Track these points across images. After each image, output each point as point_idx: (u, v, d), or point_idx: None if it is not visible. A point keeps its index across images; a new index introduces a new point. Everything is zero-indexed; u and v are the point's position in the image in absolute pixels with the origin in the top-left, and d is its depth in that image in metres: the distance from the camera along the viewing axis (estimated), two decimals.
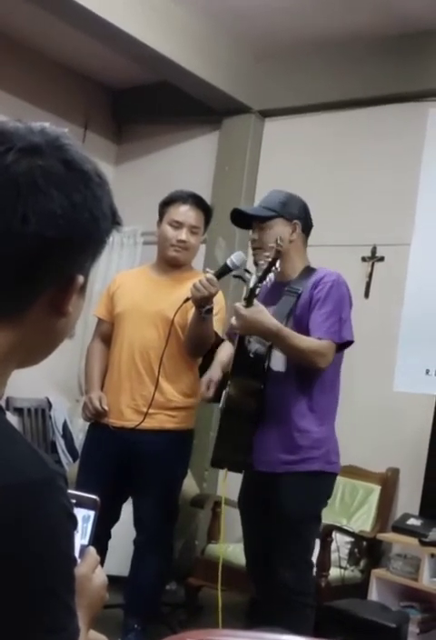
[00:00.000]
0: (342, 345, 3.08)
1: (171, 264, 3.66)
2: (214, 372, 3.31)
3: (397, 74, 4.90)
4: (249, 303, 2.95)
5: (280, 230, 3.12)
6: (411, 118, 4.90)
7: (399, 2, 4.54)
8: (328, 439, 3.10)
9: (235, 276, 3.21)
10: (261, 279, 2.94)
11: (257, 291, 2.95)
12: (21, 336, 0.95)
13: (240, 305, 3.00)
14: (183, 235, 3.60)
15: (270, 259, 2.93)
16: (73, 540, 0.90)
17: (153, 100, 5.99)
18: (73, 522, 0.90)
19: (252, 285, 2.96)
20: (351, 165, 5.11)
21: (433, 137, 4.79)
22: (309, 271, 3.16)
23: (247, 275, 3.11)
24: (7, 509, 0.83)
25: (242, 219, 3.29)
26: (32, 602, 0.84)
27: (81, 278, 0.97)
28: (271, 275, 2.94)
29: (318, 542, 3.79)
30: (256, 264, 3.08)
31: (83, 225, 0.95)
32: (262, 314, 2.95)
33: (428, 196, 4.79)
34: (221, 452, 3.19)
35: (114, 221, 1.01)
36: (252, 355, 3.08)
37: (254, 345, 3.09)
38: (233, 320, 3.03)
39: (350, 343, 3.08)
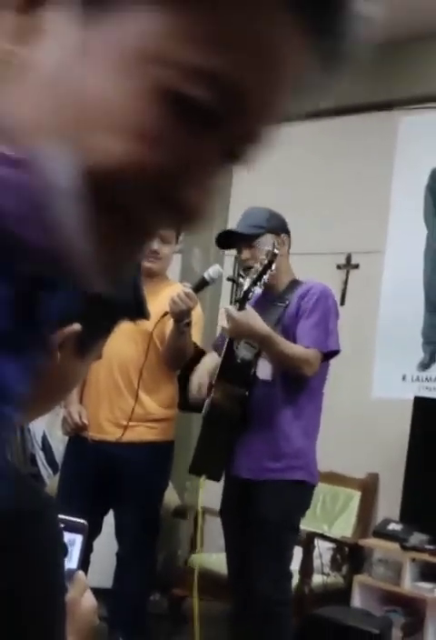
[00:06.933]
0: (327, 356, 3.12)
1: (145, 274, 3.64)
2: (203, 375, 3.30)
3: (368, 84, 4.92)
4: (241, 306, 2.99)
5: (270, 246, 3.15)
6: (382, 127, 4.94)
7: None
8: (310, 450, 3.12)
9: (229, 279, 3.22)
10: (255, 282, 2.98)
11: (250, 295, 2.98)
12: None
13: (232, 307, 3.03)
14: (155, 245, 3.57)
15: (266, 261, 2.97)
16: (63, 569, 0.90)
17: None
18: (63, 550, 0.91)
19: (246, 287, 2.99)
20: (325, 173, 5.14)
21: (404, 146, 4.85)
22: (296, 283, 3.21)
23: (241, 279, 3.14)
24: None
25: (226, 240, 3.30)
26: (21, 634, 0.84)
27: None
28: (257, 287, 2.97)
29: (300, 549, 3.80)
30: (245, 269, 3.11)
31: None
32: (255, 318, 2.98)
33: (400, 204, 4.84)
34: (201, 460, 3.20)
35: (137, 304, 0.89)
36: (239, 361, 3.09)
37: (242, 352, 3.10)
38: (224, 322, 3.05)
39: (335, 353, 3.13)
